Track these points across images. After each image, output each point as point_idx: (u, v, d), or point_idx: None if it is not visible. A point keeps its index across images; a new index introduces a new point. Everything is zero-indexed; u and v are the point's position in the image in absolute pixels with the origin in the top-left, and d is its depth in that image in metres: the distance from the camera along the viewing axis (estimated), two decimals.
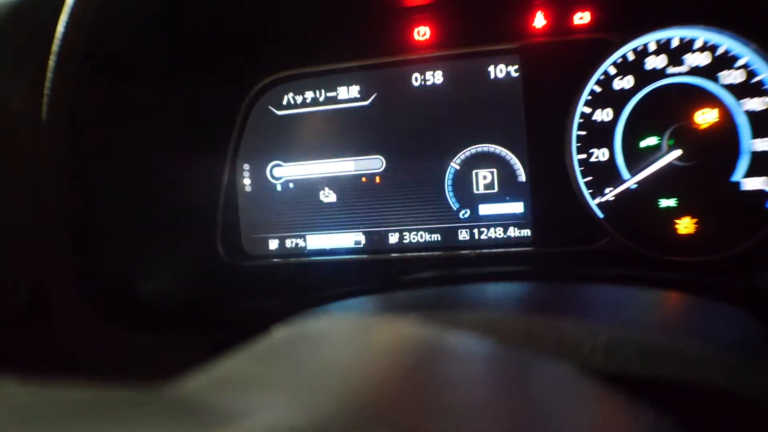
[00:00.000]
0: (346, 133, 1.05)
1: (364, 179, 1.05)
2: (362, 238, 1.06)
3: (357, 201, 1.05)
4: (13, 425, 0.23)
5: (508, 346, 0.39)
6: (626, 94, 0.93)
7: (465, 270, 0.98)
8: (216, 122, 1.08)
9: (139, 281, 0.92)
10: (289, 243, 1.09)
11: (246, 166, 1.09)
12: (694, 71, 0.90)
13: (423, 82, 1.02)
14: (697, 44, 0.90)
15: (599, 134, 0.94)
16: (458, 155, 1.01)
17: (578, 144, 0.95)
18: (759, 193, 0.88)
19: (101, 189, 0.87)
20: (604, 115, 0.94)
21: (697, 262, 0.90)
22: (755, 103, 0.88)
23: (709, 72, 0.89)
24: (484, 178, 1.01)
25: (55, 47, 0.78)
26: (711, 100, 0.89)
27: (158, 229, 0.98)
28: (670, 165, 0.90)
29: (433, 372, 0.33)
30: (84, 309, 0.82)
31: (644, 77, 0.92)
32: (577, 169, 0.95)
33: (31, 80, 0.80)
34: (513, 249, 1.00)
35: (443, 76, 1.01)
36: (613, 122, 0.94)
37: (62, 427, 0.23)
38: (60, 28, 0.78)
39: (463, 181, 1.01)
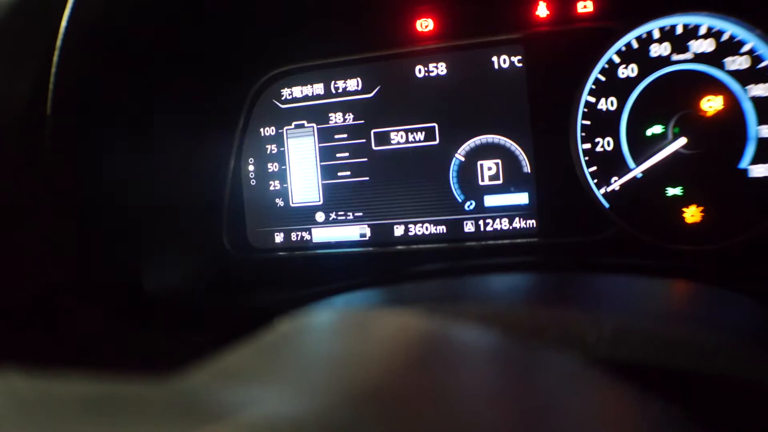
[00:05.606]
0: (350, 126, 1.05)
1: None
2: (367, 231, 1.06)
3: (362, 193, 1.05)
4: (18, 418, 0.23)
5: (513, 338, 0.39)
6: (631, 83, 0.92)
7: (470, 261, 0.98)
8: (221, 116, 1.08)
9: (144, 276, 0.92)
10: (294, 236, 1.09)
11: (251, 160, 1.10)
12: (699, 58, 0.89)
13: (426, 74, 1.02)
14: (702, 30, 0.89)
15: (604, 123, 0.94)
16: (463, 146, 1.01)
17: (583, 133, 0.95)
18: (766, 180, 0.88)
19: (106, 184, 0.87)
20: (608, 103, 0.93)
21: (705, 251, 0.90)
22: (761, 89, 0.87)
23: (715, 58, 0.88)
24: (488, 169, 1.00)
25: (58, 42, 0.78)
26: (716, 86, 0.88)
27: (164, 223, 0.98)
28: (675, 153, 0.89)
29: (438, 364, 0.33)
30: (90, 304, 0.82)
31: (649, 65, 0.91)
32: (582, 159, 0.95)
33: (34, 76, 0.80)
34: (518, 240, 1.00)
35: (447, 67, 1.01)
36: (618, 111, 0.93)
37: (66, 420, 0.23)
38: (63, 22, 0.78)
39: (467, 172, 1.01)
